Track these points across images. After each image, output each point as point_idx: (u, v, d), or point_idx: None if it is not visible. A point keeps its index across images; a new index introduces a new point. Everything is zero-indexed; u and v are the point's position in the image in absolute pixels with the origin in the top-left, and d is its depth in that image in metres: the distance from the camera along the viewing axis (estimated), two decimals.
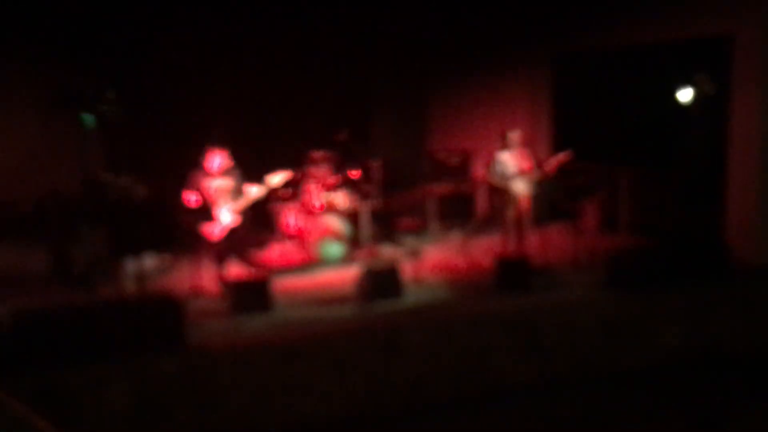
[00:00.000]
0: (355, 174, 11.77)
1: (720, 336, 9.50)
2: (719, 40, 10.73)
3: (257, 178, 9.93)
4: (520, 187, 10.50)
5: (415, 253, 11.11)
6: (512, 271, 9.83)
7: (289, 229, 11.73)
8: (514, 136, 10.60)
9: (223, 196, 9.68)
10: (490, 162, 10.92)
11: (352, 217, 11.76)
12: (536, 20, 12.95)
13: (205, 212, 9.50)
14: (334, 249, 11.10)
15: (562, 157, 10.48)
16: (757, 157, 10.37)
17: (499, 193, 10.65)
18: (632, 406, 8.38)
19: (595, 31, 12.59)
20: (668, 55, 11.59)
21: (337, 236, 11.21)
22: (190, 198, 9.55)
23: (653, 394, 8.61)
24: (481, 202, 13.64)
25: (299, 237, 11.51)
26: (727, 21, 10.54)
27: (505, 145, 10.61)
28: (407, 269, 10.09)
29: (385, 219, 12.64)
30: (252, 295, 9.02)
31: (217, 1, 11.08)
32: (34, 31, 10.62)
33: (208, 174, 9.70)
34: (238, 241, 9.86)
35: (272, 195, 11.34)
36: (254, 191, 9.76)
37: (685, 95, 10.66)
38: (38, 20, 10.44)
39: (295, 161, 11.46)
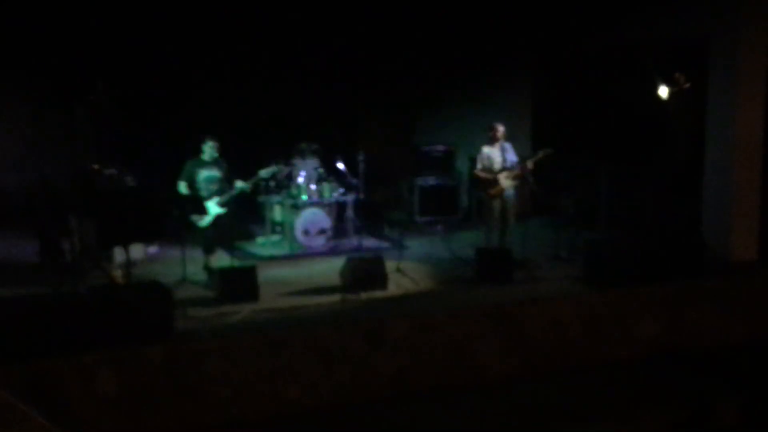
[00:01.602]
0: (340, 166, 11.89)
1: (697, 330, 9.69)
2: (695, 37, 10.92)
3: (245, 169, 10.06)
4: (505, 181, 10.62)
5: (399, 245, 11.25)
6: (494, 264, 10.01)
7: (275, 219, 11.86)
8: (500, 129, 10.71)
9: (211, 186, 9.82)
10: (474, 156, 11.06)
11: (337, 208, 11.91)
12: (518, 21, 13.09)
13: (195, 202, 9.63)
14: None
15: (543, 153, 10.63)
16: (732, 155, 10.58)
17: (484, 186, 10.78)
18: (611, 398, 8.50)
19: (575, 31, 12.75)
20: (647, 54, 11.73)
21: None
22: (180, 187, 9.68)
23: (632, 386, 8.74)
24: (465, 195, 13.79)
25: (285, 227, 11.64)
26: (702, 24, 10.75)
27: (490, 139, 10.74)
28: (391, 260, 10.23)
29: (371, 211, 12.78)
30: (239, 284, 9.13)
31: None
32: (25, 23, 10.63)
33: (199, 164, 9.84)
34: (226, 231, 10.00)
35: (260, 186, 11.46)
36: (242, 184, 9.91)
37: (662, 92, 10.82)
38: (29, 12, 10.46)
39: (283, 153, 11.57)
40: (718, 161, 10.74)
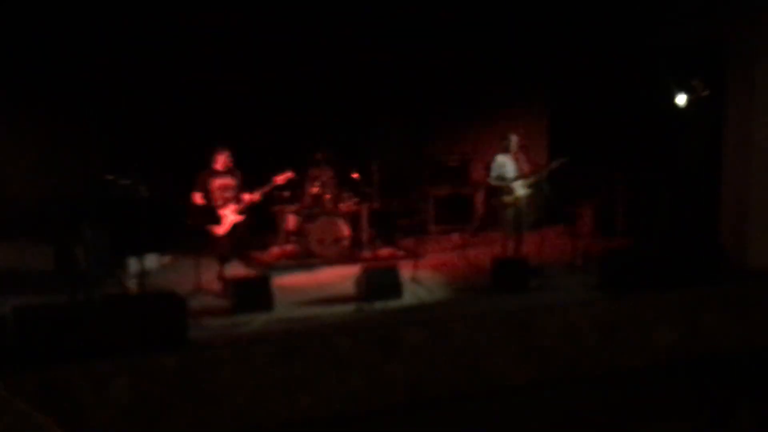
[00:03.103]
0: (355, 175, 11.87)
1: (713, 337, 9.61)
2: (713, 44, 10.86)
3: (260, 178, 10.05)
4: (519, 190, 10.60)
5: (414, 254, 11.21)
6: (509, 272, 9.96)
7: (290, 228, 11.85)
8: (514, 138, 10.70)
9: (226, 195, 9.83)
10: (489, 164, 11.03)
11: (352, 218, 11.88)
12: (533, 29, 13.05)
13: (209, 211, 9.63)
14: None
15: (558, 161, 10.59)
16: (750, 161, 10.50)
17: (499, 195, 10.75)
18: (627, 405, 8.46)
19: (590, 37, 12.69)
20: (664, 62, 11.68)
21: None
22: (195, 197, 9.69)
23: (648, 393, 8.70)
24: (480, 204, 13.74)
25: (300, 237, 11.62)
26: (717, 27, 10.69)
27: (504, 148, 10.72)
28: (406, 269, 10.20)
29: (385, 220, 12.75)
30: (253, 293, 9.13)
31: (221, 3, 11.15)
32: (39, 34, 10.69)
33: (212, 174, 9.85)
34: (240, 240, 10.00)
35: (274, 195, 11.46)
36: (258, 194, 9.93)
37: (680, 100, 10.76)
38: (44, 23, 10.52)
39: (297, 162, 11.55)
40: (735, 168, 10.67)
